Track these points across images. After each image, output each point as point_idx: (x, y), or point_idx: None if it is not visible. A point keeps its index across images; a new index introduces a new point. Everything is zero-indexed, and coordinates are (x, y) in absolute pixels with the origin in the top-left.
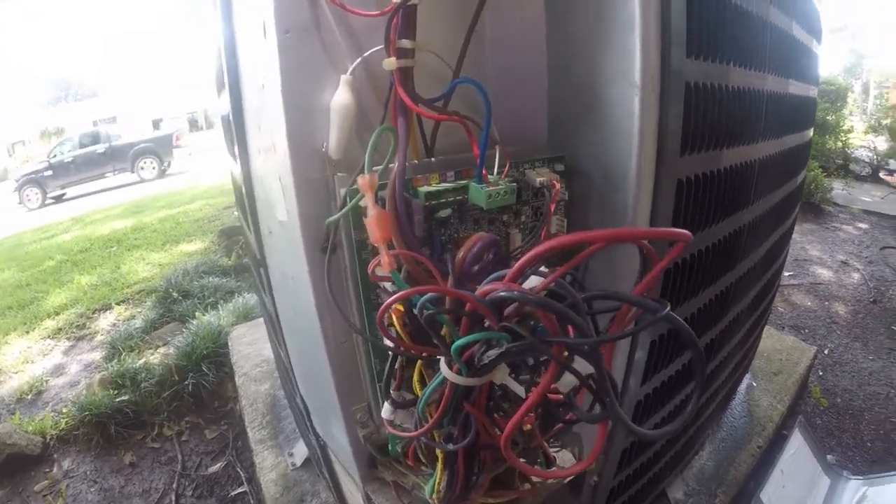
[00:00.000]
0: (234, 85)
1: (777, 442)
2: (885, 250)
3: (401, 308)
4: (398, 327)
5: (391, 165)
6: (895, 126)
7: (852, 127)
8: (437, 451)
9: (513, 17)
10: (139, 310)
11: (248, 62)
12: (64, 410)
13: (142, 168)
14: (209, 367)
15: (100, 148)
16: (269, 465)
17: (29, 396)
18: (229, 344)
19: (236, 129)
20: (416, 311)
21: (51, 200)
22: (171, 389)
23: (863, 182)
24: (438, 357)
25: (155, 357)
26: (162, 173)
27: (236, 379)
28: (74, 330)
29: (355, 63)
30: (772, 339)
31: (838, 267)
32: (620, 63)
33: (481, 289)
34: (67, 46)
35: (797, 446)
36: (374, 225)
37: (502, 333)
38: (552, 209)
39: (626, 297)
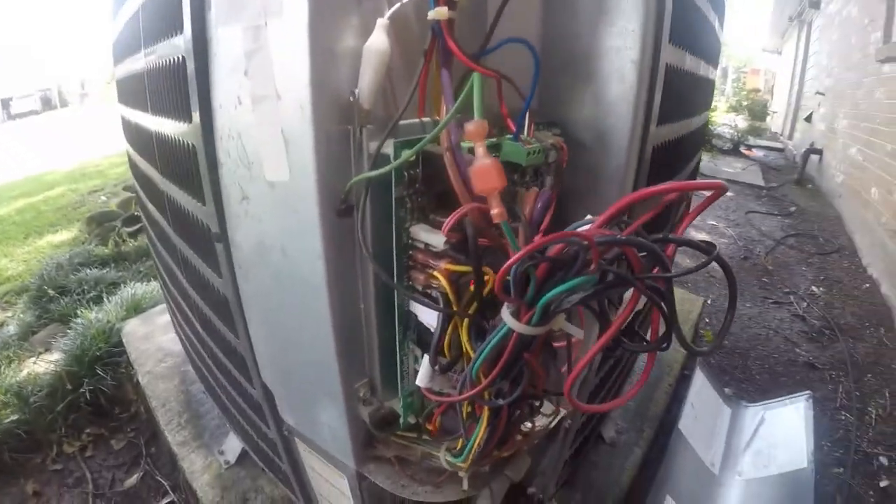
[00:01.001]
0: (198, 24)
1: (683, 381)
2: (750, 214)
3: (450, 268)
4: (448, 288)
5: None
6: (754, 107)
7: (715, 107)
8: (477, 410)
9: None
10: (10, 314)
11: None
12: None
13: None
14: (105, 370)
15: None
16: (200, 468)
17: None
18: (124, 341)
19: (198, 78)
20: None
21: None
22: (65, 401)
23: (725, 155)
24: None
25: (39, 366)
26: None
27: (140, 378)
28: None
29: (394, 7)
30: None
31: (710, 229)
32: (623, 41)
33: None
34: None
35: (700, 383)
36: (492, 173)
37: (592, 276)
38: (564, 166)
39: (689, 241)
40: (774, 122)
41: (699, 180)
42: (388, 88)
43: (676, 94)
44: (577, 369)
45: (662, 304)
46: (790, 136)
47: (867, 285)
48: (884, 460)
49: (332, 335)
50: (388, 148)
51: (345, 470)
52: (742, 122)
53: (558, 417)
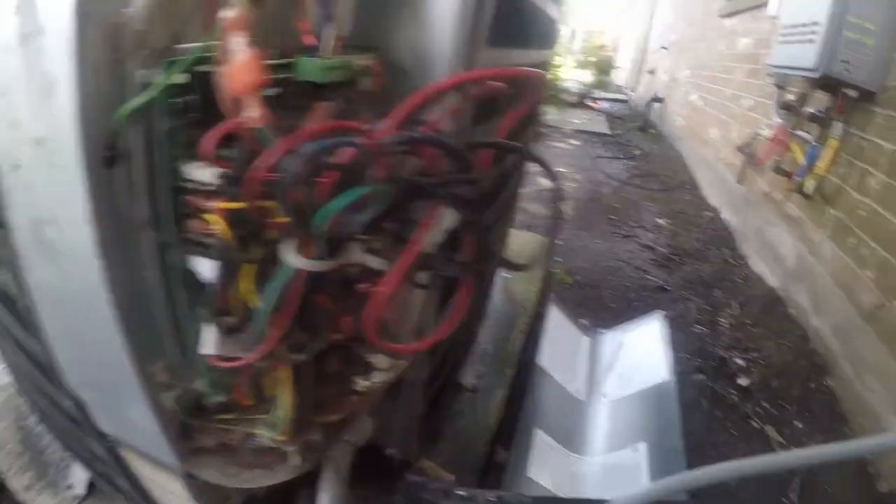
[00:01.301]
0: None
1: (538, 318)
2: (597, 159)
3: (224, 205)
4: (224, 231)
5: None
6: (601, 63)
7: (563, 63)
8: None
9: None
10: None
11: None
12: None
13: None
14: None
15: None
16: None
17: None
18: None
19: None
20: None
21: None
22: None
23: (573, 108)
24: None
25: None
26: None
27: None
28: None
29: None
30: (514, 238)
31: (558, 175)
32: None
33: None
34: None
35: (556, 318)
36: (246, 66)
37: (385, 188)
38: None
39: (495, 143)
40: (619, 77)
41: (508, 67)
42: (169, 8)
43: (509, 17)
44: (378, 302)
45: (471, 214)
46: (634, 89)
47: (709, 214)
48: (740, 362)
49: (111, 314)
50: (161, 75)
51: (174, 470)
52: (589, 77)
53: (392, 372)
